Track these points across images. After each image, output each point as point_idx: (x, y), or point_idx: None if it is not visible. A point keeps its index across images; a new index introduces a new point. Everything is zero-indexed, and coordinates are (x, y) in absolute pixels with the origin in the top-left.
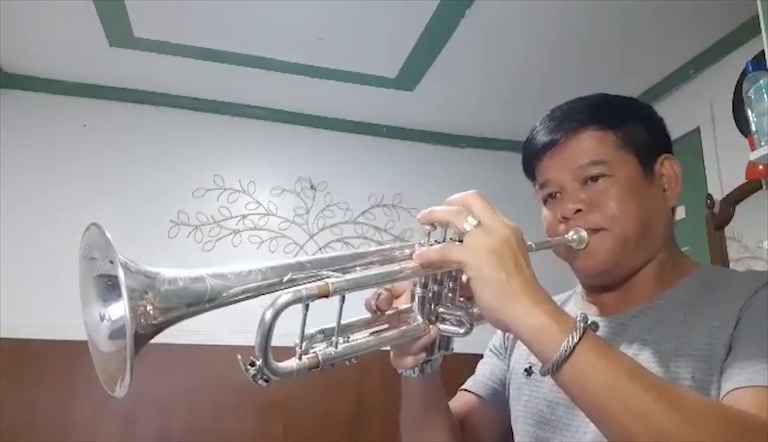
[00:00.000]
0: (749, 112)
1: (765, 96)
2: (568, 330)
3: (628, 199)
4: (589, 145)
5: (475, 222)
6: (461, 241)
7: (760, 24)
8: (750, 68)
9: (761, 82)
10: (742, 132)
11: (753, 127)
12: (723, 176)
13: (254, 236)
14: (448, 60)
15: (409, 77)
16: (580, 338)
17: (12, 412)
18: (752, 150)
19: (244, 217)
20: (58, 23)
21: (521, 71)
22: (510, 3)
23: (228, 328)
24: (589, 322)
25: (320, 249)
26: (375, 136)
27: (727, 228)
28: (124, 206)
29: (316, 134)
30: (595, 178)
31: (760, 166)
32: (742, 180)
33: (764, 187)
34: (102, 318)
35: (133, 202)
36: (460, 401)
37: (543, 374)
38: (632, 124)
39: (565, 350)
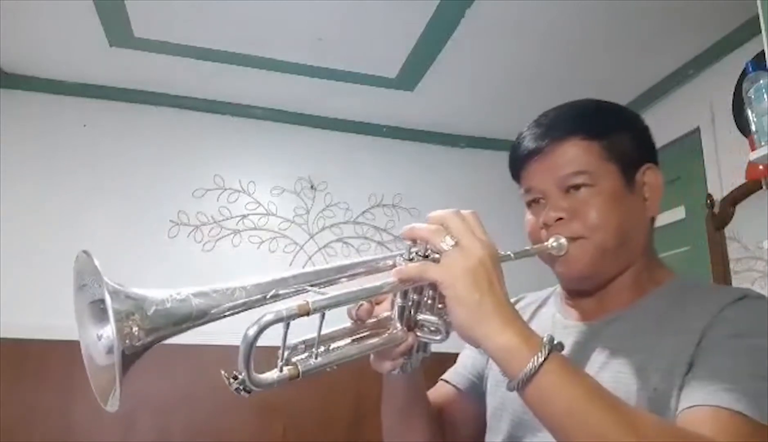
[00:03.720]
0: (749, 112)
1: (765, 96)
2: (535, 350)
3: (609, 210)
4: (574, 155)
5: (452, 242)
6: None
7: (760, 24)
8: (750, 68)
9: (761, 82)
10: (742, 132)
11: (753, 127)
12: (723, 176)
13: (254, 235)
14: (448, 60)
15: (409, 77)
16: (545, 359)
17: (12, 412)
18: (752, 150)
19: (244, 217)
20: (58, 23)
21: (521, 71)
22: (510, 3)
23: (228, 328)
24: (555, 343)
25: (320, 249)
26: (375, 136)
27: (727, 228)
28: (124, 206)
29: (316, 134)
30: (577, 187)
31: (760, 166)
32: (742, 180)
33: (764, 187)
34: (99, 338)
35: (133, 202)
36: (438, 392)
37: (509, 389)
38: (618, 134)
39: (530, 370)
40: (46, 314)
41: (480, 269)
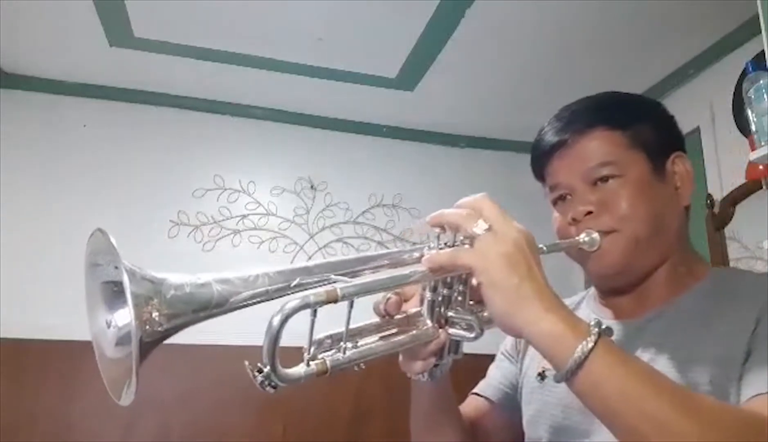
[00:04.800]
0: (749, 112)
1: (765, 96)
2: (582, 336)
3: (639, 200)
4: (598, 146)
5: (485, 226)
6: (472, 245)
7: (760, 24)
8: (750, 68)
9: (761, 82)
10: (742, 132)
11: (753, 127)
12: (723, 176)
13: (254, 235)
14: (448, 60)
15: (409, 77)
16: (594, 344)
17: (12, 412)
18: (752, 150)
19: (244, 217)
20: (58, 23)
21: (521, 71)
22: (510, 3)
23: (228, 328)
24: (603, 327)
25: (320, 249)
26: (375, 137)
27: (727, 228)
28: (124, 206)
29: (316, 134)
30: (605, 179)
31: (760, 166)
32: (742, 180)
33: (764, 187)
34: (108, 325)
35: (133, 202)
36: (471, 406)
37: (557, 380)
38: (642, 123)
39: (580, 357)
40: (46, 314)
41: (517, 252)
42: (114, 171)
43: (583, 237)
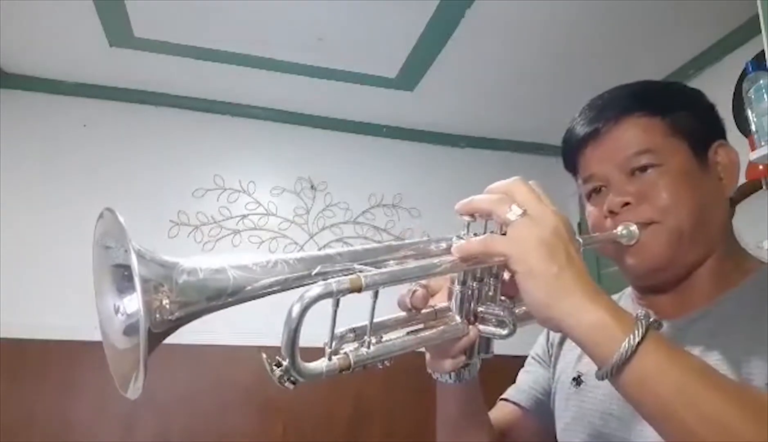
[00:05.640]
0: (749, 112)
1: (765, 96)
2: (629, 328)
3: (682, 189)
4: (635, 134)
5: (520, 211)
6: (505, 233)
7: (760, 24)
8: (750, 68)
9: (761, 82)
10: (742, 132)
11: (753, 127)
12: None
13: (254, 236)
14: (448, 60)
15: (409, 77)
16: (642, 337)
17: (12, 412)
18: (752, 150)
19: (244, 217)
20: (58, 23)
21: (521, 71)
22: (510, 3)
23: (229, 328)
24: (651, 319)
25: (320, 249)
26: (375, 136)
27: None
28: (124, 206)
29: (316, 134)
30: (643, 169)
31: (760, 166)
32: (742, 180)
33: (764, 187)
34: (117, 311)
35: (133, 202)
36: (500, 412)
37: (599, 378)
38: (682, 111)
39: (627, 350)
40: (46, 314)
41: (555, 238)
42: (114, 171)
43: (620, 230)
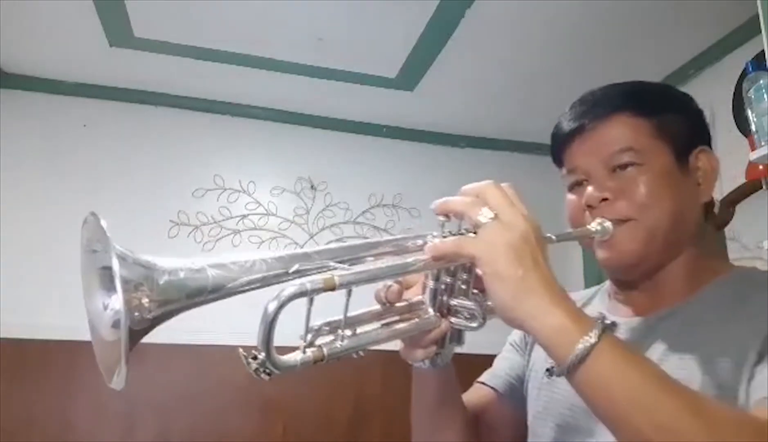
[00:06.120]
0: (749, 112)
1: (765, 96)
2: (586, 330)
3: (660, 190)
4: (620, 132)
5: (491, 214)
6: (477, 233)
7: (760, 24)
8: (750, 68)
9: (761, 82)
10: (742, 132)
11: (753, 127)
12: (723, 176)
13: (254, 235)
14: (448, 60)
15: (409, 77)
16: (598, 339)
17: (12, 412)
18: (752, 150)
19: (244, 217)
20: (58, 23)
21: (521, 71)
22: (510, 3)
23: (228, 328)
24: (608, 322)
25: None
26: (375, 136)
27: (727, 228)
28: (124, 206)
29: (316, 134)
30: (624, 166)
31: (760, 166)
32: (742, 180)
33: (764, 187)
34: (105, 307)
35: (133, 202)
36: (475, 395)
37: (557, 375)
38: (669, 114)
39: (582, 351)
40: (46, 314)
41: (522, 243)
42: (114, 171)
43: (594, 225)
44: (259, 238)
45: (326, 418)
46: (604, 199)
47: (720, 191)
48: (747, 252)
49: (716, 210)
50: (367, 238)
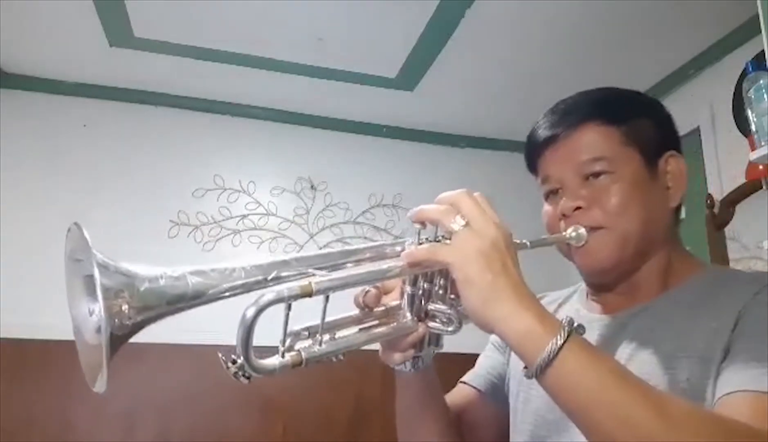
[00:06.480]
0: (749, 112)
1: (765, 96)
2: (553, 333)
3: (631, 198)
4: (592, 140)
5: (463, 222)
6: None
7: (760, 24)
8: (750, 68)
9: (761, 82)
10: (742, 132)
11: (753, 127)
12: (723, 176)
13: (254, 236)
14: (448, 60)
15: (409, 77)
16: (564, 341)
17: (12, 412)
18: (752, 150)
19: (244, 217)
20: (58, 23)
21: (521, 71)
22: (510, 3)
23: (228, 328)
24: (575, 325)
25: (320, 249)
26: (375, 136)
27: (727, 228)
28: (124, 206)
29: (316, 134)
30: (596, 175)
31: (760, 166)
32: (742, 180)
33: (764, 187)
34: (90, 313)
35: (133, 202)
36: (458, 394)
37: (527, 377)
38: (638, 120)
39: (549, 353)
40: (46, 314)
41: (492, 250)
42: (114, 171)
43: (570, 232)
44: (259, 238)
45: (326, 418)
46: (578, 208)
47: (720, 191)
48: (747, 252)
49: (716, 210)
50: (366, 238)
